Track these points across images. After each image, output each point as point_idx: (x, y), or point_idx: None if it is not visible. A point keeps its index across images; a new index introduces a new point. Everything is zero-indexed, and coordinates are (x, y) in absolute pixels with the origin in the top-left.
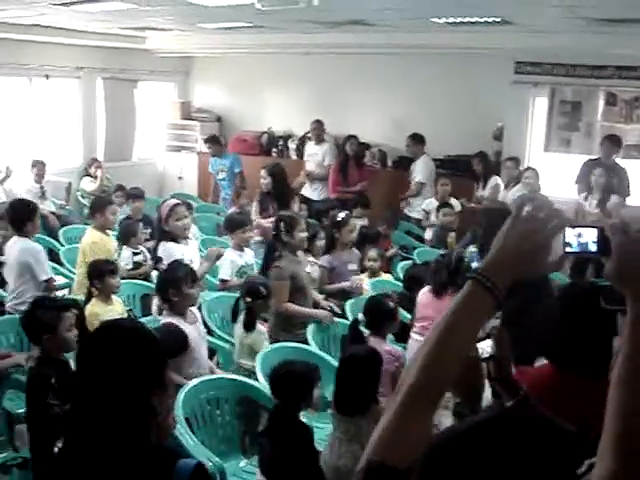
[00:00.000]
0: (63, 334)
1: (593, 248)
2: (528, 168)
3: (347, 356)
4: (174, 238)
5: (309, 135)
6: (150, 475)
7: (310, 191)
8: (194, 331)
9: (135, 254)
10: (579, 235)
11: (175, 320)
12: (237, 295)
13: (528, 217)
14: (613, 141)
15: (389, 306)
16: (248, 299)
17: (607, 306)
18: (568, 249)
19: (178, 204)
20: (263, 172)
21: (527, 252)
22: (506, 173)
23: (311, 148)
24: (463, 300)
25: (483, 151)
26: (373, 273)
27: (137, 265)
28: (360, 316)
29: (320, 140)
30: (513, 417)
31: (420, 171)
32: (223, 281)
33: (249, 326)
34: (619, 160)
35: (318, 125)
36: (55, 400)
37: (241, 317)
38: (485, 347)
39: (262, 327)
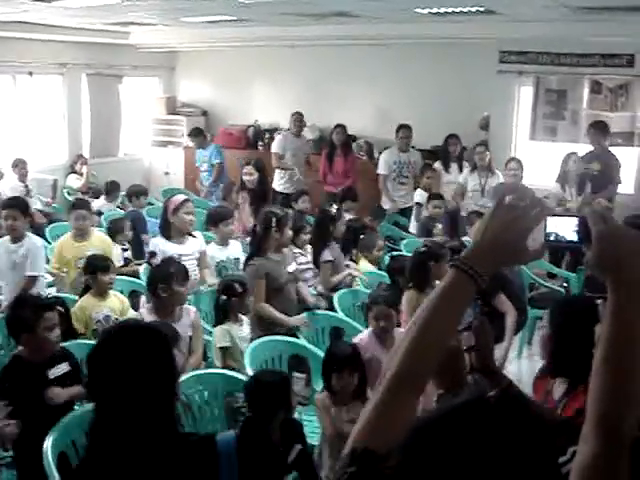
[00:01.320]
0: (42, 334)
1: (574, 237)
2: (512, 159)
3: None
4: (171, 234)
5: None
6: (196, 458)
7: (284, 184)
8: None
9: (124, 250)
10: (560, 224)
11: (149, 317)
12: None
13: (509, 206)
14: (598, 127)
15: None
16: (223, 297)
17: (590, 294)
18: (549, 238)
19: (188, 199)
20: (250, 168)
21: (508, 241)
22: (478, 158)
23: (293, 141)
24: (445, 288)
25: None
26: (377, 263)
27: (128, 261)
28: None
29: (300, 132)
30: (491, 402)
31: (379, 163)
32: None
33: (218, 321)
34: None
35: (299, 117)
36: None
37: None
38: (467, 337)
39: (244, 329)
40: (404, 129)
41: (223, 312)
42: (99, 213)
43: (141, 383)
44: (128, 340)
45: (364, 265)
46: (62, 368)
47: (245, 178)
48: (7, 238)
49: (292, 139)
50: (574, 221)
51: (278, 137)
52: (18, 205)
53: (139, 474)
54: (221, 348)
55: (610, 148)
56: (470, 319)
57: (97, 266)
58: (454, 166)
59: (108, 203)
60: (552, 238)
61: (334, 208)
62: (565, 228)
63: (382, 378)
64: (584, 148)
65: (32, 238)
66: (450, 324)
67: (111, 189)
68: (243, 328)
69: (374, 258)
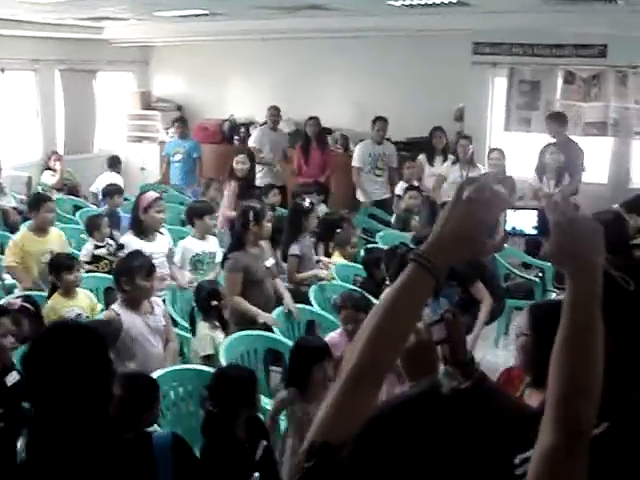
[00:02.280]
0: None
1: (533, 230)
2: (494, 149)
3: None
4: (142, 232)
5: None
6: (131, 456)
7: (262, 178)
8: (139, 321)
9: (98, 247)
10: (519, 217)
11: (121, 310)
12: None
13: (468, 199)
14: (556, 118)
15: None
16: (214, 302)
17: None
18: (509, 230)
19: (160, 198)
20: (243, 157)
21: (466, 234)
22: (460, 151)
23: (270, 135)
24: (403, 282)
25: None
26: (354, 259)
27: (97, 259)
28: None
29: (277, 126)
30: (446, 395)
31: (354, 155)
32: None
33: (193, 330)
34: (574, 137)
35: (275, 111)
36: None
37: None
38: (438, 329)
39: (219, 334)
40: (380, 121)
41: (218, 316)
42: (104, 193)
43: (74, 383)
44: (62, 340)
45: (338, 259)
46: (14, 376)
47: (238, 167)
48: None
49: (269, 133)
50: (534, 214)
51: (255, 131)
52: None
53: (74, 474)
54: (206, 357)
55: (583, 138)
56: (441, 311)
57: (61, 265)
58: (438, 159)
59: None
60: (511, 230)
61: (307, 201)
62: (525, 221)
63: (340, 371)
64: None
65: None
66: (409, 317)
67: (112, 163)
68: (218, 333)
69: (348, 254)
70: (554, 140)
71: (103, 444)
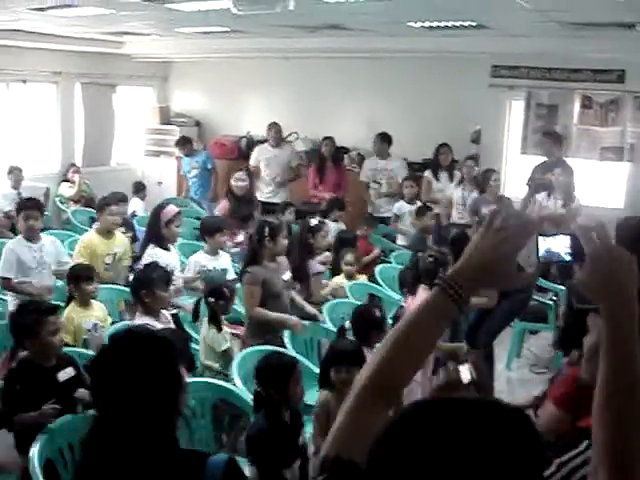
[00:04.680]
0: (46, 338)
1: (566, 256)
2: (491, 170)
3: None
4: (163, 244)
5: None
6: (181, 475)
7: (270, 196)
8: None
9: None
10: (551, 243)
11: (149, 320)
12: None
13: (499, 228)
14: (550, 138)
15: (376, 315)
16: (211, 299)
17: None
18: (542, 257)
19: (179, 212)
20: (241, 174)
21: (494, 263)
22: (465, 171)
23: (268, 151)
24: (426, 306)
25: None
26: (349, 276)
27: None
28: (347, 324)
29: (279, 142)
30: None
31: (362, 171)
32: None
33: (216, 325)
34: (586, 162)
35: (277, 128)
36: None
37: (205, 318)
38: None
39: (227, 328)
40: (377, 137)
41: (210, 313)
42: (133, 215)
43: (143, 393)
44: (135, 347)
45: (337, 281)
46: (68, 372)
47: (236, 184)
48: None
49: (268, 150)
50: (566, 239)
51: (255, 149)
52: (38, 206)
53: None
54: (223, 351)
55: (600, 163)
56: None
57: (81, 276)
58: (444, 175)
59: (142, 202)
60: (545, 256)
61: (316, 219)
62: (558, 246)
63: (354, 386)
64: (574, 162)
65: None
66: (426, 342)
67: (138, 189)
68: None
69: (346, 272)
70: (546, 159)
71: (158, 458)
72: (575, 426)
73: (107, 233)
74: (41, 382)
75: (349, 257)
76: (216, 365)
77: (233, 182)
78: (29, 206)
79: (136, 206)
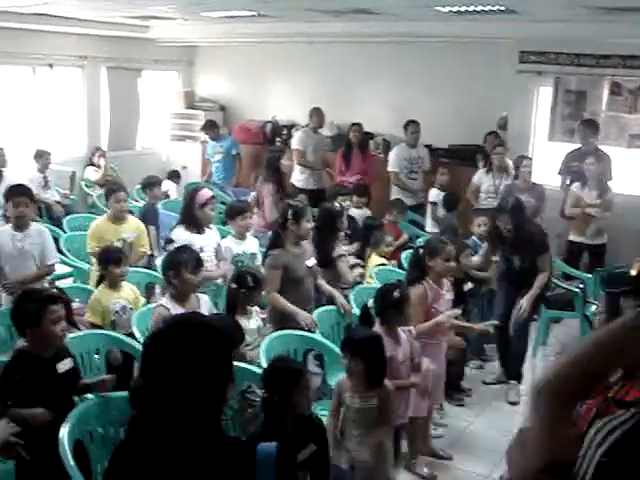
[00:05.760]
0: (48, 327)
1: None
2: (524, 157)
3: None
4: (194, 226)
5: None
6: (233, 463)
7: (304, 181)
8: None
9: None
10: None
11: (170, 305)
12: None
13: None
14: (587, 125)
15: (395, 296)
16: (233, 285)
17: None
18: None
19: (214, 196)
20: (289, 154)
21: None
22: (496, 159)
23: (311, 137)
24: (627, 327)
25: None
26: (386, 258)
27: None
28: (370, 302)
29: (319, 128)
30: None
31: (390, 160)
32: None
33: (228, 312)
34: (614, 149)
35: (320, 112)
36: (9, 398)
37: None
38: None
39: (253, 320)
40: (413, 124)
41: (227, 301)
42: (166, 196)
43: (191, 380)
44: (187, 334)
45: (375, 259)
46: (67, 363)
47: (287, 163)
48: (10, 226)
49: (312, 135)
50: None
51: (298, 133)
52: (27, 193)
53: (171, 468)
54: None
55: (628, 150)
56: None
57: (110, 258)
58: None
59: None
60: None
61: (340, 203)
62: None
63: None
64: (604, 150)
65: (38, 225)
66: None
67: (172, 176)
68: (252, 320)
69: (382, 252)
70: (580, 147)
71: (206, 446)
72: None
73: (117, 219)
74: (40, 373)
75: (389, 239)
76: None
77: (284, 162)
78: (17, 192)
79: (169, 187)
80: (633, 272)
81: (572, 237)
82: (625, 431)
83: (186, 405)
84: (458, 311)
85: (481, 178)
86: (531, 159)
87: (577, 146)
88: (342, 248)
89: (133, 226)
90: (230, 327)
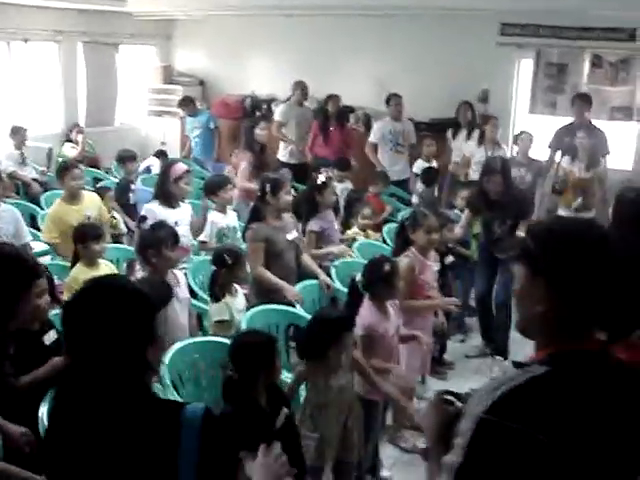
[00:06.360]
0: (34, 300)
1: None
2: (523, 132)
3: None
4: (169, 200)
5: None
6: (158, 423)
7: (288, 155)
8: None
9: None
10: None
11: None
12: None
13: None
14: (584, 100)
15: (384, 269)
16: (214, 267)
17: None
18: None
19: (189, 170)
20: (264, 124)
21: None
22: (489, 131)
23: (295, 110)
24: None
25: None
26: (364, 231)
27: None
28: (358, 276)
29: (304, 101)
30: None
31: (372, 132)
32: (203, 242)
33: (213, 296)
34: (600, 122)
35: (304, 85)
36: (11, 370)
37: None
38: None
39: (236, 298)
40: (395, 97)
41: (210, 283)
42: (148, 170)
43: (111, 342)
44: (102, 297)
45: (353, 231)
46: (52, 335)
47: (261, 133)
48: None
49: (295, 108)
50: None
51: (282, 105)
52: None
53: (99, 430)
54: (219, 322)
55: (609, 122)
56: None
57: (88, 235)
58: (462, 133)
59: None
60: None
61: (322, 176)
62: None
63: None
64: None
65: (8, 206)
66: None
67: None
68: (237, 300)
69: (361, 225)
70: (573, 121)
71: (132, 406)
72: None
73: (73, 199)
74: (28, 346)
75: (367, 211)
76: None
77: (258, 131)
78: None
79: (153, 162)
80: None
81: (560, 211)
82: (511, 388)
83: (105, 367)
84: (457, 301)
85: (472, 151)
86: (531, 134)
87: (568, 120)
88: (319, 224)
89: (92, 201)
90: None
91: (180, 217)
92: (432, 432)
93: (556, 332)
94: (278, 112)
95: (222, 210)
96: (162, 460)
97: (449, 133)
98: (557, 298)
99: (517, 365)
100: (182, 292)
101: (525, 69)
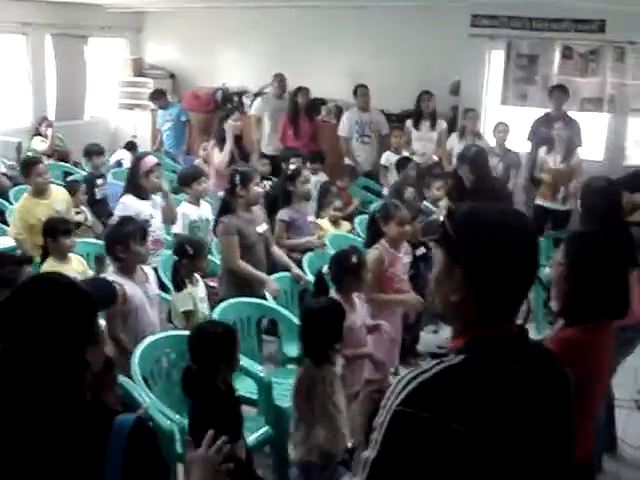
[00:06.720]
0: None
1: None
2: (501, 123)
3: (307, 308)
4: (140, 194)
5: (265, 90)
6: (85, 432)
7: (265, 147)
8: (139, 291)
9: (76, 213)
10: None
11: (119, 279)
12: None
13: None
14: (562, 91)
15: (353, 261)
16: (175, 257)
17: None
18: None
19: (159, 164)
20: (238, 115)
21: None
22: (469, 124)
23: (272, 102)
24: None
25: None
26: (334, 222)
27: (76, 225)
28: (325, 269)
29: (282, 94)
30: None
31: (340, 124)
32: (175, 235)
33: (176, 285)
34: (570, 113)
35: (282, 78)
36: None
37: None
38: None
39: (197, 289)
40: (361, 88)
41: (173, 273)
42: (119, 164)
43: (44, 341)
44: (39, 294)
45: (323, 222)
46: None
47: (233, 123)
48: None
49: (273, 101)
50: None
51: (258, 99)
52: None
53: (23, 434)
54: (185, 312)
55: (580, 113)
56: None
57: (58, 229)
58: (425, 123)
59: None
60: None
61: (292, 167)
62: None
63: None
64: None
65: None
66: None
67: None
68: (199, 289)
69: (332, 217)
70: (549, 112)
71: (63, 411)
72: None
73: (41, 194)
74: None
75: (338, 203)
76: (180, 326)
77: (232, 122)
78: None
79: (123, 155)
80: (440, 218)
81: (538, 201)
82: (426, 379)
83: (40, 367)
84: (421, 300)
85: (453, 144)
86: (507, 125)
87: (539, 111)
88: (288, 213)
89: (60, 196)
90: (100, 289)
91: (146, 210)
92: (362, 427)
93: (472, 320)
94: (253, 106)
95: (194, 202)
96: (87, 466)
97: (409, 122)
98: (474, 288)
99: (434, 356)
100: (152, 289)
101: (496, 60)
